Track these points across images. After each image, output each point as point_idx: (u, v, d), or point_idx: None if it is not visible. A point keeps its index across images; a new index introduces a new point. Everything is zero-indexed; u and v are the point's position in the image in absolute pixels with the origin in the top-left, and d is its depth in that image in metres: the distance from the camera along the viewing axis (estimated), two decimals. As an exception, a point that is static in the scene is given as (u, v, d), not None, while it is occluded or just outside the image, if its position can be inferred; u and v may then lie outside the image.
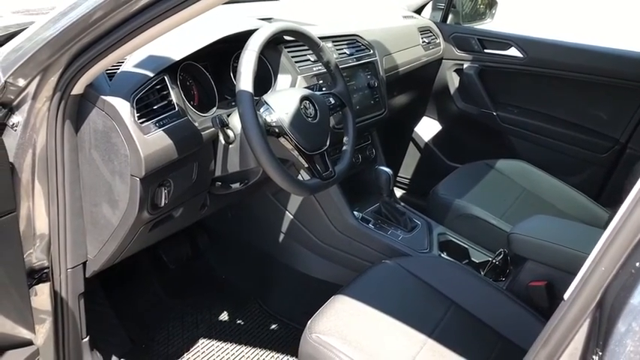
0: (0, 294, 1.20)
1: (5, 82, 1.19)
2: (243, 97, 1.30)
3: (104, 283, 1.88)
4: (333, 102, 1.57)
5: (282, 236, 2.06)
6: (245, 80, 1.31)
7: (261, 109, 1.38)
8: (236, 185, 1.59)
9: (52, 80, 1.18)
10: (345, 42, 2.02)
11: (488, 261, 1.84)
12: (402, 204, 2.05)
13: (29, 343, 1.32)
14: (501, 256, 1.81)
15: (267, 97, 1.42)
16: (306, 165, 1.43)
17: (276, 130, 1.38)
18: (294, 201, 1.96)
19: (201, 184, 1.52)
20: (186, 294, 2.16)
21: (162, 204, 1.36)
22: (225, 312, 2.09)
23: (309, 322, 1.35)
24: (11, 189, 1.19)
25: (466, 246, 1.94)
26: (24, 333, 1.29)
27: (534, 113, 2.57)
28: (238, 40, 1.56)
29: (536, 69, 2.50)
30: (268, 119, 1.37)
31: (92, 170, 1.31)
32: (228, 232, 2.24)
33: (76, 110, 1.26)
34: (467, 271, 1.66)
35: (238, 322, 2.06)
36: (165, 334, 1.96)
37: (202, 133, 1.41)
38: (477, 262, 1.90)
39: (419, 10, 2.79)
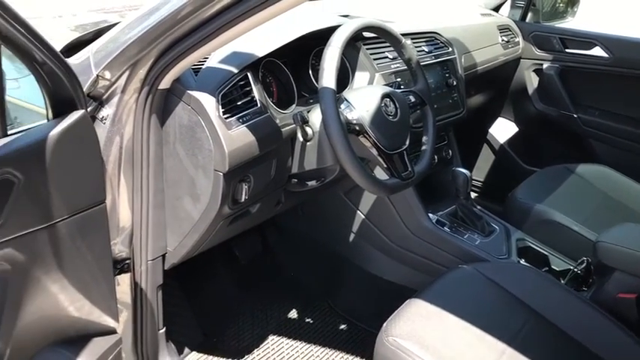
0: (90, 282, 1.24)
1: (97, 75, 1.22)
2: (326, 94, 1.28)
3: (178, 275, 1.91)
4: (413, 100, 1.54)
5: (353, 236, 2.04)
6: (328, 77, 1.29)
7: (342, 107, 1.36)
8: (312, 183, 1.58)
9: (141, 74, 1.20)
10: (424, 39, 1.98)
11: (570, 269, 1.75)
12: (479, 207, 1.99)
13: (113, 331, 1.35)
14: (584, 264, 1.72)
15: (348, 94, 1.40)
16: (385, 164, 1.40)
17: (357, 128, 1.36)
18: (367, 201, 1.94)
19: (279, 180, 1.52)
20: (256, 290, 2.17)
21: (243, 199, 1.37)
22: (294, 310, 2.09)
23: (385, 324, 1.32)
24: (103, 180, 1.23)
25: (546, 253, 1.85)
26: (109, 322, 1.33)
27: (619, 116, 2.44)
28: (317, 37, 1.55)
29: (622, 70, 2.36)
30: (349, 117, 1.35)
31: (176, 164, 1.33)
32: (299, 230, 2.24)
33: (162, 104, 1.28)
34: (548, 279, 1.58)
35: (307, 320, 2.06)
36: (235, 329, 1.98)
37: (282, 129, 1.41)
38: (558, 270, 1.81)
39: (497, 8, 2.71)
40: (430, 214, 1.89)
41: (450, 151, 2.11)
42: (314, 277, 2.24)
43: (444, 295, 1.43)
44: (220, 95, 1.27)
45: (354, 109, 1.36)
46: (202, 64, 1.33)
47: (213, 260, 2.13)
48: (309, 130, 1.44)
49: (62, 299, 1.20)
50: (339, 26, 1.39)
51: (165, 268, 1.48)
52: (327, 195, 1.98)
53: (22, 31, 0.95)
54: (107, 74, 1.22)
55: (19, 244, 1.06)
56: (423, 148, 1.57)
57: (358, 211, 1.96)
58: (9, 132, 1.07)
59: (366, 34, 1.72)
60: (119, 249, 1.36)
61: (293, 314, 2.08)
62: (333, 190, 1.94)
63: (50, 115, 1.14)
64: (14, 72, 1.16)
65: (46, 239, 1.11)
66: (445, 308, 1.35)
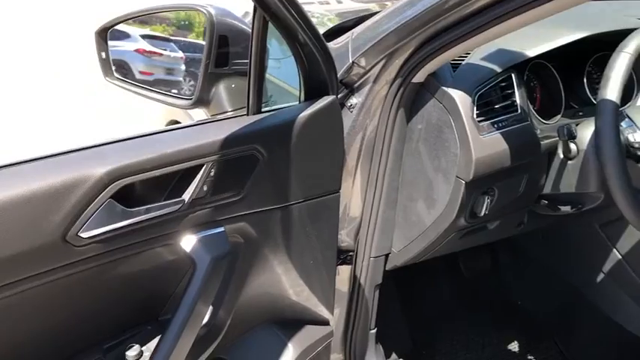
0: (312, 269, 1.23)
1: (352, 62, 1.19)
2: (606, 108, 1.07)
3: (397, 278, 1.84)
4: None
5: (600, 275, 1.74)
6: (612, 88, 1.08)
7: (623, 125, 1.13)
8: (565, 208, 1.36)
9: (396, 65, 1.13)
10: None
11: None
12: None
13: (326, 322, 1.33)
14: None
15: (632, 112, 1.16)
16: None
17: (638, 153, 1.12)
18: (629, 239, 1.63)
19: (527, 199, 1.34)
20: (477, 309, 2.00)
21: (482, 214, 1.23)
22: (515, 342, 1.88)
23: None
24: (341, 169, 1.20)
25: None
26: (324, 312, 1.31)
27: None
28: (599, 41, 1.32)
29: None
30: (630, 138, 1.12)
31: (415, 164, 1.25)
32: (535, 255, 2.00)
33: (412, 99, 1.20)
34: None
35: (529, 358, 1.83)
36: (448, 347, 1.85)
37: (541, 142, 1.23)
38: None
39: None
40: None
41: None
42: (543, 309, 1.99)
43: None
44: (477, 95, 1.14)
45: (638, 130, 1.12)
46: (462, 60, 1.21)
47: (436, 268, 2.02)
48: (573, 147, 1.23)
49: (284, 281, 1.21)
50: (632, 30, 1.16)
51: (387, 268, 1.42)
52: (579, 224, 1.72)
53: (292, 10, 0.94)
54: (362, 62, 1.18)
55: (254, 219, 1.07)
56: None
57: (614, 250, 1.66)
58: (263, 109, 1.09)
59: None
60: (344, 240, 1.33)
61: (513, 347, 1.87)
62: (587, 220, 1.68)
63: (302, 98, 1.14)
64: (279, 52, 1.18)
65: (279, 220, 1.12)
66: None
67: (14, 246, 0.72)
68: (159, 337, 0.96)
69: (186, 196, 0.92)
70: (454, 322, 1.94)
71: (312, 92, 1.13)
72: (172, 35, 1.64)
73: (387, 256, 1.40)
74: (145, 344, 1.00)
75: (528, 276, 2.06)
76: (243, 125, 1.02)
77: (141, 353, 0.98)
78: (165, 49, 1.66)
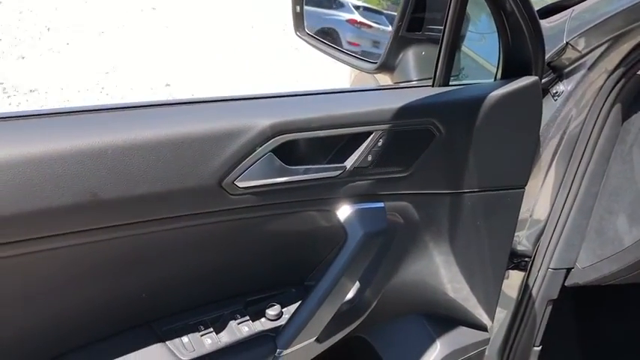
0: (477, 268, 1.11)
1: (566, 43, 1.03)
2: None
3: (576, 297, 1.61)
4: None
5: None
6: None
7: None
8: None
9: (621, 51, 0.96)
10: None
11: None
12: None
13: (483, 328, 1.21)
14: None
15: None
16: None
17: None
18: None
19: None
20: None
21: None
22: None
23: None
24: (531, 162, 1.05)
25: None
26: (482, 317, 1.18)
27: None
28: None
29: None
30: None
31: (624, 171, 1.05)
32: None
33: (635, 94, 1.00)
34: None
35: None
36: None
37: None
38: None
39: None
40: None
41: None
42: None
43: None
44: None
45: None
46: None
47: (625, 294, 1.73)
48: None
49: (443, 274, 1.10)
50: None
51: (566, 284, 1.24)
52: None
53: None
54: (579, 44, 1.01)
55: (418, 201, 0.98)
56: None
57: None
58: (451, 82, 0.98)
59: None
60: (522, 243, 1.18)
61: None
62: None
63: (499, 75, 1.01)
64: (478, 21, 1.06)
65: (447, 206, 1.01)
66: None
67: (172, 183, 0.72)
68: (299, 302, 0.93)
69: (349, 163, 0.86)
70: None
71: (511, 70, 0.99)
72: (386, 9, 1.61)
73: (568, 270, 1.23)
74: (285, 306, 0.98)
75: None
76: (424, 96, 0.92)
77: (280, 314, 0.96)
78: (376, 22, 1.63)
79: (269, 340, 0.92)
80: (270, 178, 0.80)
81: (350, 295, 1.03)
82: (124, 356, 0.83)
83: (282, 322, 0.94)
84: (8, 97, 3.85)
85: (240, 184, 0.78)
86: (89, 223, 0.70)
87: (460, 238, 1.05)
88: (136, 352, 0.84)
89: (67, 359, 0.81)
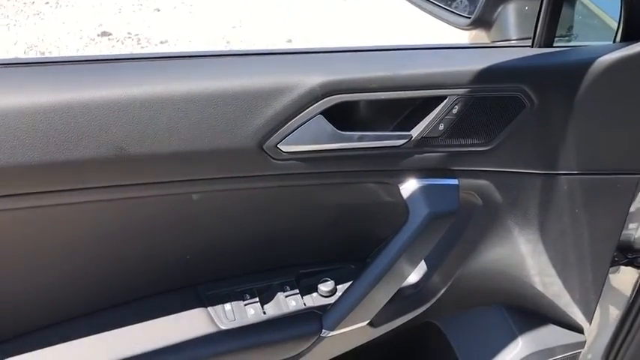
0: (574, 261, 0.95)
1: None
2: None
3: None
4: None
5: None
6: None
7: None
8: None
9: None
10: None
11: None
12: None
13: (578, 330, 1.05)
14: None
15: None
16: None
17: None
18: None
19: None
20: None
21: None
22: None
23: None
24: None
25: None
26: (577, 316, 1.02)
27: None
28: None
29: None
30: None
31: None
32: None
33: None
34: None
35: None
36: None
37: None
38: None
39: None
40: None
41: None
42: None
43: None
44: None
45: None
46: None
47: None
48: None
49: (529, 265, 0.96)
50: None
51: None
52: None
53: None
54: None
55: (502, 180, 0.84)
56: None
57: None
58: (555, 43, 0.82)
59: None
60: (632, 236, 0.99)
61: None
62: None
63: (619, 37, 0.83)
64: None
65: (537, 189, 0.86)
66: None
67: (206, 142, 0.66)
68: (352, 281, 0.85)
69: (416, 131, 0.75)
70: None
71: (635, 31, 0.80)
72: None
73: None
74: (341, 283, 0.90)
75: None
76: (516, 57, 0.77)
77: (334, 291, 0.89)
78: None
79: (315, 318, 0.85)
80: (320, 143, 0.72)
81: (414, 279, 0.93)
82: (164, 317, 0.81)
83: (334, 300, 0.87)
84: (141, 47, 4.05)
85: (285, 148, 0.70)
86: (115, 178, 0.66)
87: (553, 226, 0.90)
88: (177, 315, 0.81)
89: (105, 315, 0.80)
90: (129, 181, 0.67)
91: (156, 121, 0.64)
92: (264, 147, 0.69)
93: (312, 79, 0.68)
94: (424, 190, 0.79)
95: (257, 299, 0.85)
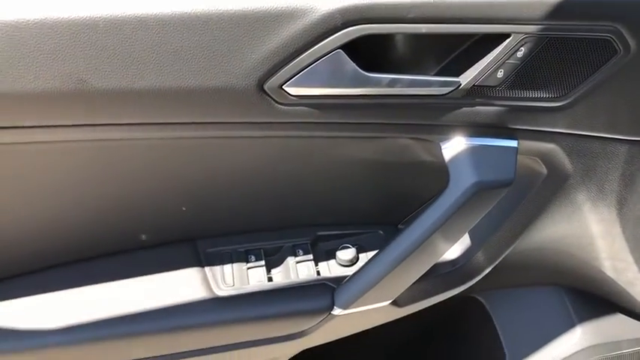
0: None
1: None
2: None
3: None
4: None
5: None
6: None
7: None
8: None
9: None
10: None
11: None
12: None
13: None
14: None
15: None
16: None
17: None
18: None
19: None
20: None
21: None
22: None
23: None
24: None
25: None
26: None
27: None
28: None
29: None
30: None
31: None
32: None
33: None
34: None
35: None
36: None
37: None
38: None
39: None
40: None
41: None
42: None
43: None
44: None
45: None
46: None
47: None
48: None
49: (601, 247, 0.78)
50: None
51: None
52: None
53: None
54: None
55: (574, 145, 0.66)
56: None
57: None
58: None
59: None
60: None
61: None
62: None
63: None
64: None
65: (621, 159, 0.67)
66: None
67: (189, 79, 0.53)
68: (378, 250, 0.71)
69: (466, 78, 0.57)
70: None
71: None
72: None
73: None
74: (365, 251, 0.77)
75: None
76: None
77: (356, 260, 0.75)
78: None
79: (327, 292, 0.72)
80: (338, 87, 0.56)
81: (452, 255, 0.78)
82: (151, 275, 0.71)
83: (354, 271, 0.73)
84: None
85: (292, 91, 0.55)
86: (78, 116, 0.54)
87: (634, 205, 0.72)
88: (167, 273, 0.71)
89: (88, 266, 0.71)
90: (92, 120, 0.55)
91: (125, 48, 0.50)
92: (265, 87, 0.55)
93: (328, 3, 0.52)
94: (472, 152, 0.62)
95: (263, 262, 0.73)
